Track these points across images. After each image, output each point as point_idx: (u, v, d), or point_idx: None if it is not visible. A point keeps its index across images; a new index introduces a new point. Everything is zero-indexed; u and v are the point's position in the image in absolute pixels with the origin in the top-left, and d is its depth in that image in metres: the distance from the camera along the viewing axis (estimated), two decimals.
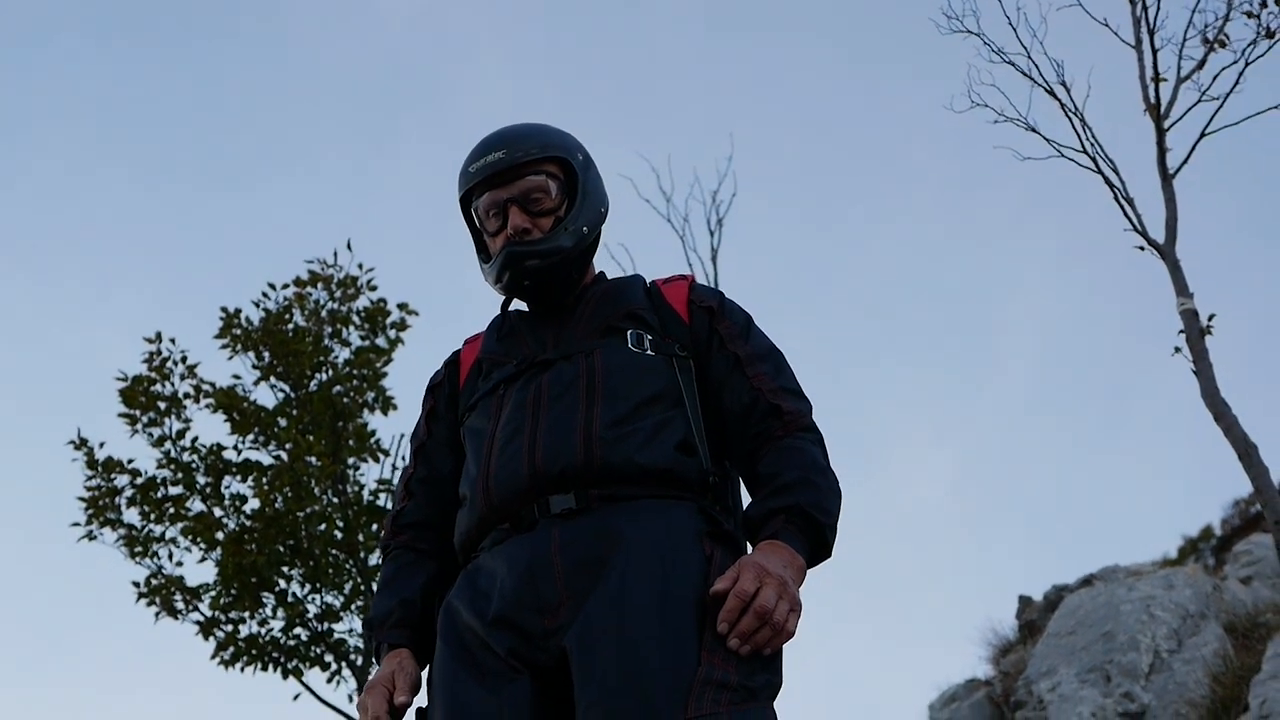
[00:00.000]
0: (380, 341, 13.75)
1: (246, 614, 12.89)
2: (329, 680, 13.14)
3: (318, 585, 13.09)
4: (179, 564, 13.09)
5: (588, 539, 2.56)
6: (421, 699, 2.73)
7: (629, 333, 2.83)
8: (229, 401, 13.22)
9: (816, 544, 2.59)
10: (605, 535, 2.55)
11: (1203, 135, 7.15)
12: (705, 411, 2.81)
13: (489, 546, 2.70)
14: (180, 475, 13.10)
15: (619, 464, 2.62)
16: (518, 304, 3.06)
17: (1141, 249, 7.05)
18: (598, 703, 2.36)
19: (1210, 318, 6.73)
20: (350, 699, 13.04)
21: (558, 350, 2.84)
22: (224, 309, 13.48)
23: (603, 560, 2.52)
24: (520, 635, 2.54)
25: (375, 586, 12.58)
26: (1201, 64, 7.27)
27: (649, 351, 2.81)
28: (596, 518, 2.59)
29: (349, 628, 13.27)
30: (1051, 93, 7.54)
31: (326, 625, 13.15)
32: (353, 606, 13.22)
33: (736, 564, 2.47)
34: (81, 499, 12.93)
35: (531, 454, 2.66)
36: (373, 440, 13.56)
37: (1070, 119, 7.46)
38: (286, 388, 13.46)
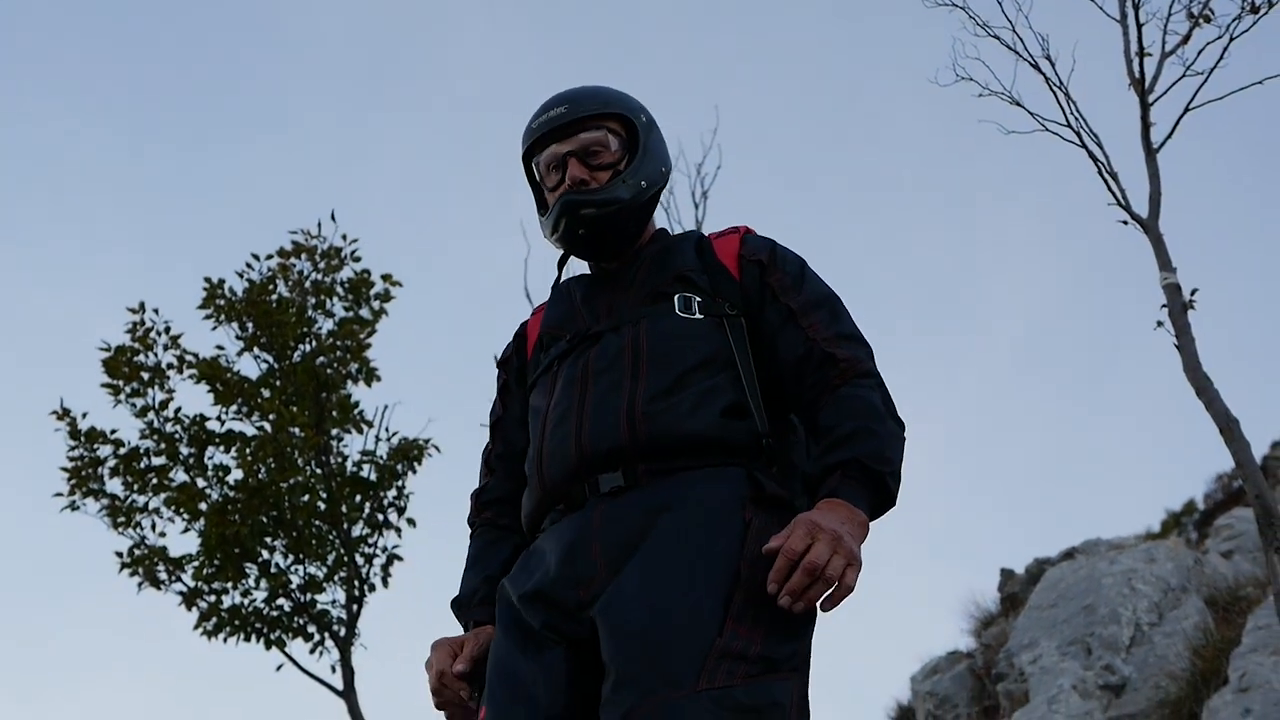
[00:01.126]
0: (364, 313, 13.71)
1: (229, 585, 12.89)
2: (311, 651, 13.15)
3: (301, 556, 13.10)
4: (162, 534, 13.09)
5: (629, 515, 2.57)
6: None
7: (677, 297, 2.82)
8: (212, 372, 13.19)
9: (878, 494, 2.56)
10: (647, 510, 2.56)
11: (1187, 110, 7.14)
12: (762, 369, 2.78)
13: (548, 526, 2.74)
14: (163, 446, 13.08)
15: (663, 437, 2.62)
16: (577, 267, 3.08)
17: (1125, 223, 7.04)
18: (614, 668, 2.38)
19: (1193, 292, 6.73)
20: (333, 669, 13.06)
21: (609, 321, 2.84)
22: (207, 279, 13.44)
23: (641, 533, 2.53)
24: (555, 609, 2.57)
25: (357, 559, 12.56)
26: (1186, 39, 7.25)
27: (697, 315, 2.79)
28: (642, 494, 2.60)
29: (332, 599, 13.28)
30: (1036, 67, 7.53)
31: (309, 596, 13.15)
32: (335, 578, 13.23)
33: (791, 523, 2.43)
34: (64, 469, 12.91)
35: (579, 434, 2.67)
36: (356, 411, 13.56)
37: (1055, 93, 7.45)
38: (270, 358, 13.44)
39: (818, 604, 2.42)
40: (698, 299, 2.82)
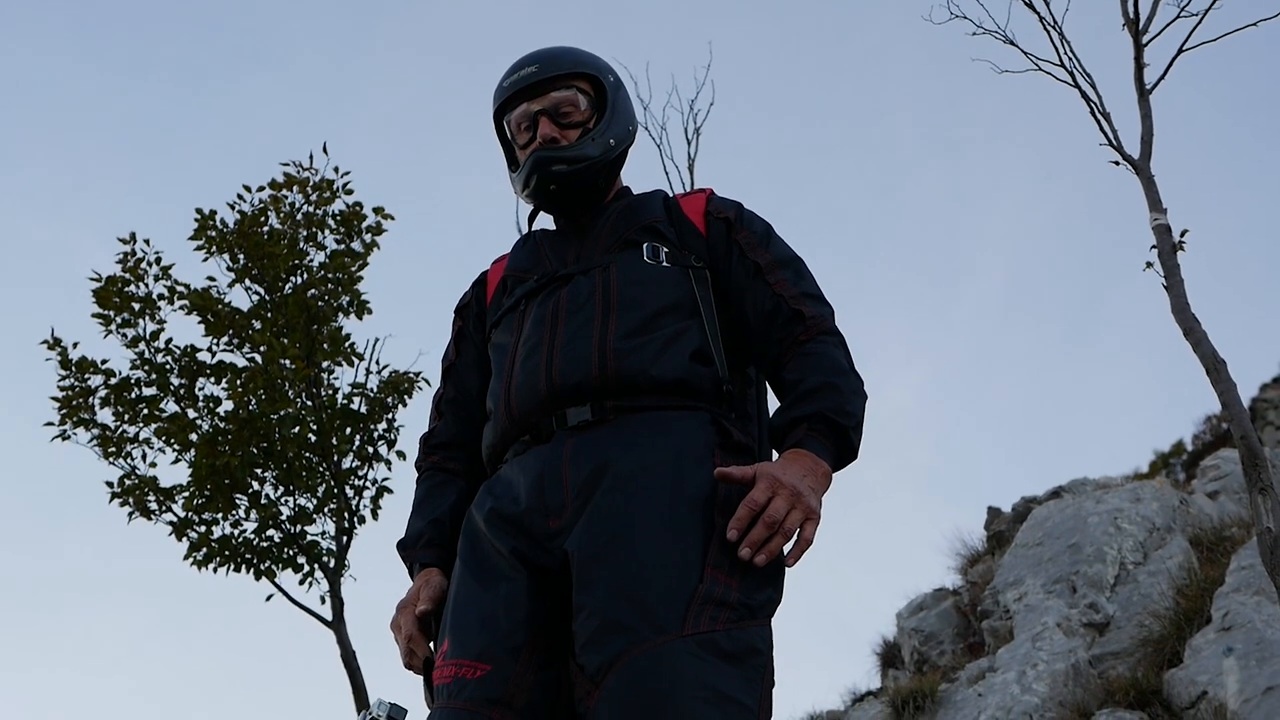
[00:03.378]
0: (356, 245, 13.65)
1: (219, 515, 12.90)
2: (301, 582, 13.18)
3: (291, 488, 13.10)
4: (153, 465, 13.07)
5: (599, 448, 2.64)
6: None
7: (645, 245, 2.91)
8: (203, 303, 13.15)
9: (841, 447, 2.66)
10: (616, 444, 2.64)
11: (1180, 51, 7.11)
12: (723, 321, 2.88)
13: (511, 458, 2.80)
14: (154, 376, 13.06)
15: (633, 375, 2.70)
16: (543, 222, 3.18)
17: (1117, 164, 7.04)
18: (598, 610, 2.43)
19: (1183, 233, 6.73)
20: (322, 600, 13.10)
21: (577, 265, 2.92)
22: (199, 210, 13.37)
23: (611, 468, 2.59)
24: (524, 535, 2.64)
25: (347, 491, 12.57)
26: None
27: (664, 264, 2.89)
28: (610, 429, 2.68)
29: (321, 530, 13.29)
30: (1030, 5, 7.50)
31: (299, 527, 13.16)
32: (325, 509, 13.25)
33: (755, 468, 2.53)
34: (55, 399, 12.90)
35: (549, 368, 2.74)
36: (347, 344, 13.52)
37: (1049, 32, 7.43)
38: (261, 290, 13.39)
39: (782, 564, 2.55)
40: (664, 249, 2.91)
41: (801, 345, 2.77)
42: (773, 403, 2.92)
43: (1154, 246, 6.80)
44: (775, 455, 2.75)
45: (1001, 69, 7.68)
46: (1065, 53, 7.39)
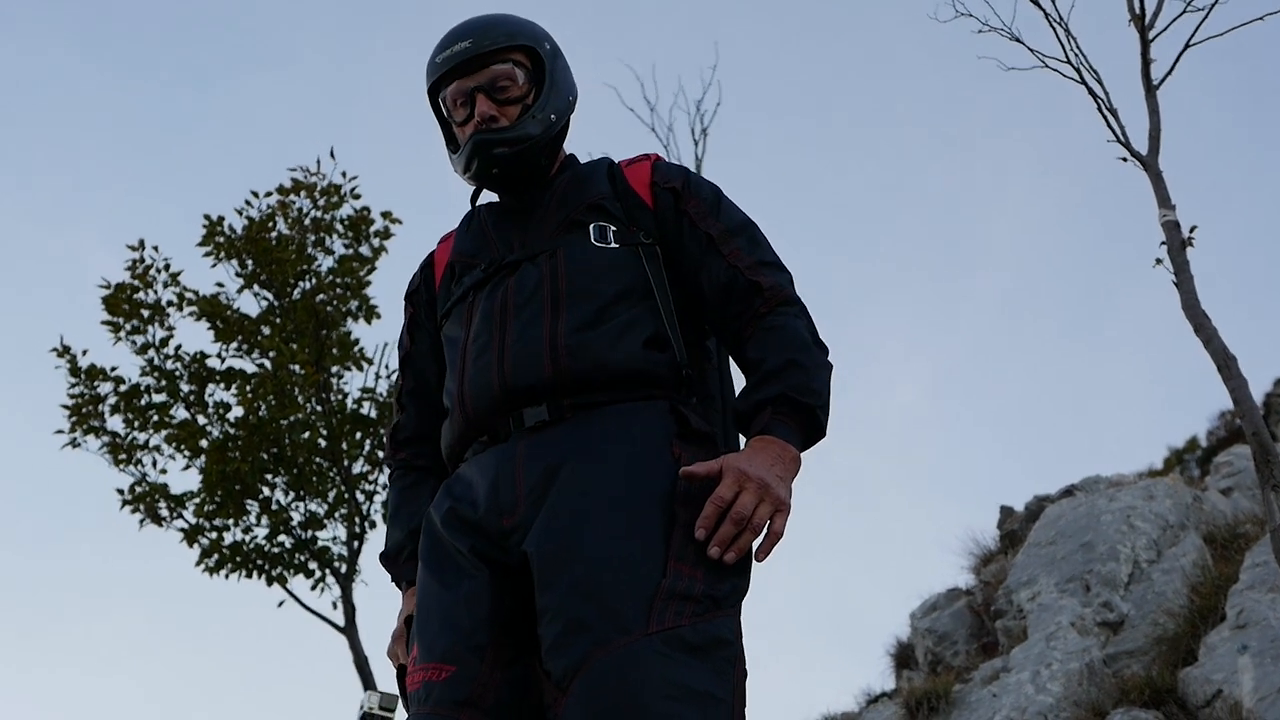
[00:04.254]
0: (364, 250, 13.69)
1: (230, 521, 12.94)
2: (313, 587, 13.21)
3: (301, 493, 13.14)
4: (163, 471, 13.13)
5: (553, 446, 2.57)
6: None
7: (592, 227, 2.80)
8: (212, 309, 13.19)
9: (808, 428, 2.59)
10: (570, 442, 2.57)
11: (1187, 46, 7.07)
12: (678, 298, 2.79)
13: (470, 457, 2.73)
14: (164, 383, 13.11)
15: (587, 371, 2.61)
16: (487, 196, 3.05)
17: (1124, 160, 6.99)
18: (560, 613, 2.37)
19: (1192, 229, 6.69)
20: (334, 605, 13.12)
21: (523, 250, 2.82)
22: (207, 216, 13.41)
23: (565, 466, 2.53)
24: (480, 534, 2.58)
25: (357, 496, 12.56)
26: None
27: (613, 244, 2.79)
28: (566, 427, 2.60)
29: (332, 535, 13.35)
30: (1036, 2, 7.47)
31: (310, 533, 13.20)
32: (336, 514, 13.27)
33: (720, 462, 2.47)
34: (65, 406, 12.93)
35: (500, 368, 2.66)
36: (356, 349, 13.56)
37: (1054, 29, 7.38)
38: (270, 296, 13.43)
39: (751, 550, 2.48)
40: (612, 228, 2.81)
41: (762, 319, 2.70)
42: (736, 375, 2.87)
43: (1163, 243, 6.76)
44: (741, 439, 2.74)
45: (1008, 66, 7.64)
46: (1071, 49, 7.34)
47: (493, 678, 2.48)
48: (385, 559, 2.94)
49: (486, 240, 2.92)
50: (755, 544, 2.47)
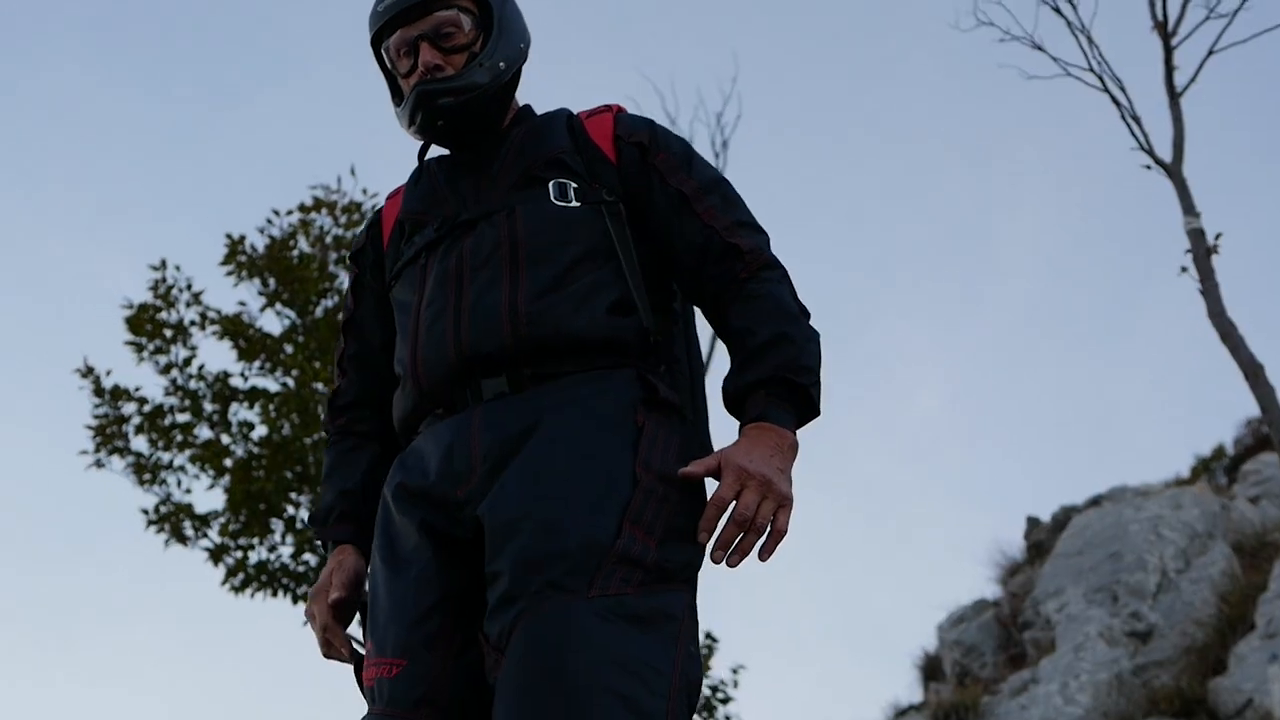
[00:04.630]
0: None
1: (255, 540, 12.93)
2: None
3: None
4: (188, 491, 13.11)
5: (512, 414, 2.44)
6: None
7: (551, 184, 2.63)
8: (235, 328, 13.20)
9: (803, 408, 2.47)
10: (529, 410, 2.44)
11: (1210, 53, 7.07)
12: (644, 259, 2.64)
13: (425, 429, 2.60)
14: (188, 403, 13.10)
15: (548, 338, 2.47)
16: (438, 151, 2.87)
17: (1149, 168, 6.98)
18: (505, 574, 2.26)
19: (1217, 237, 6.68)
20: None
21: (478, 208, 2.65)
22: (228, 235, 13.41)
23: (526, 435, 2.41)
24: (432, 506, 2.46)
25: None
26: None
27: (574, 203, 2.62)
28: (527, 397, 2.47)
29: None
30: (1058, 10, 7.46)
31: None
32: None
33: (718, 458, 2.36)
34: (89, 427, 12.95)
35: (457, 336, 2.51)
36: None
37: (1076, 37, 7.39)
38: (292, 314, 13.42)
39: (755, 554, 2.35)
40: (573, 185, 2.64)
41: (743, 285, 2.55)
42: (703, 329, 2.71)
43: (1188, 250, 6.75)
44: (732, 430, 2.55)
45: (1030, 74, 7.64)
46: (1094, 57, 7.34)
47: (445, 670, 2.38)
48: (313, 520, 2.81)
49: (438, 196, 2.74)
50: (758, 545, 2.34)
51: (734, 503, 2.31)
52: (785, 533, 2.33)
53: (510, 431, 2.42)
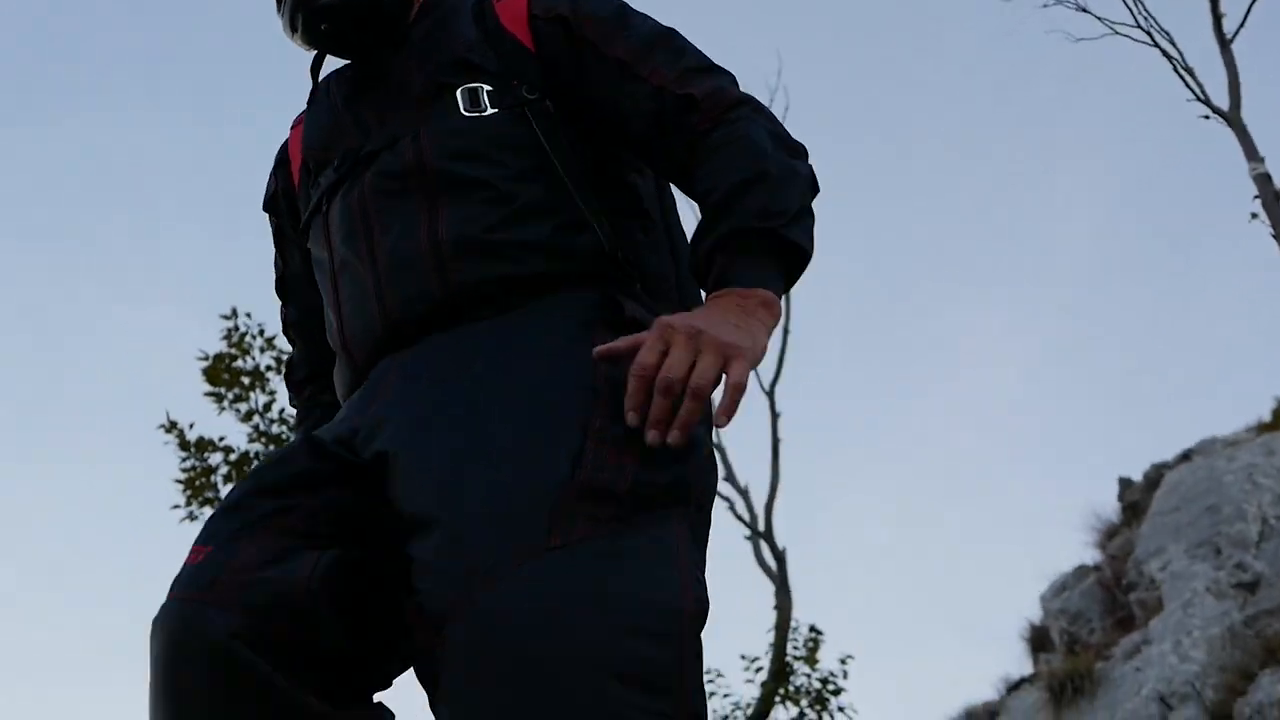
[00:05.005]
0: None
1: None
2: None
3: None
4: None
5: (439, 351, 2.00)
6: None
7: (460, 91, 2.12)
8: None
9: (782, 255, 1.93)
10: (462, 345, 1.98)
11: None
12: (594, 160, 2.14)
13: None
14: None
15: (486, 280, 2.00)
16: (335, 64, 2.38)
17: (1206, 118, 6.92)
18: (428, 523, 1.77)
19: None
20: None
21: (382, 134, 2.15)
22: None
23: (452, 364, 1.96)
24: (334, 441, 2.01)
25: None
26: None
27: (489, 110, 2.10)
28: (458, 335, 2.01)
29: None
30: None
31: None
32: None
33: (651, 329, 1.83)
34: (178, 481, 13.08)
35: (380, 299, 2.05)
36: None
37: None
38: None
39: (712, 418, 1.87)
40: (486, 88, 2.12)
41: (705, 137, 2.03)
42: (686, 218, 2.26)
43: (1256, 196, 6.68)
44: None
45: (1077, 37, 7.60)
46: (1140, 13, 7.29)
47: (249, 561, 1.86)
48: None
49: (339, 124, 2.25)
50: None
51: (659, 367, 1.78)
52: (744, 387, 1.77)
53: (433, 363, 1.98)
